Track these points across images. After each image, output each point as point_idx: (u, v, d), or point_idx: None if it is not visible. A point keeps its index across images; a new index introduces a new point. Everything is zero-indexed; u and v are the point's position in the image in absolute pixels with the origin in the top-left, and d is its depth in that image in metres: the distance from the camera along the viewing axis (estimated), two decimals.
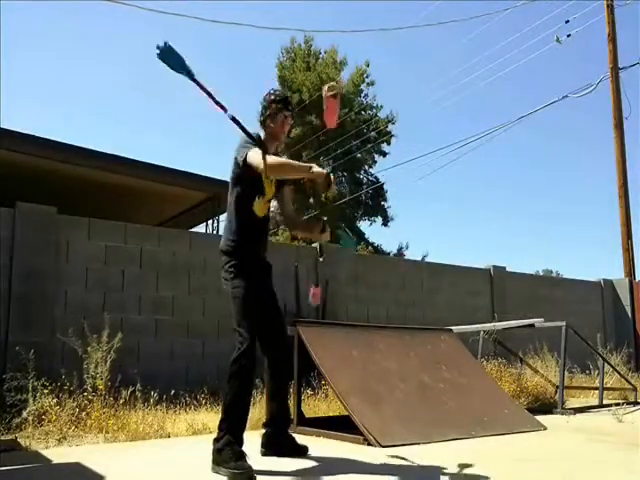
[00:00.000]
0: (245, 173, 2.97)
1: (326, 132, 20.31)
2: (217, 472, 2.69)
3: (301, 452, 3.16)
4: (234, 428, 2.79)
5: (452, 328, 5.45)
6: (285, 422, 3.27)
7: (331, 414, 4.57)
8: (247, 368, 2.86)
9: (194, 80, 2.66)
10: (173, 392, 4.76)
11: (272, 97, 3.15)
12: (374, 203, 22.78)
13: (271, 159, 2.84)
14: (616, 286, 10.81)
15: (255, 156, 2.85)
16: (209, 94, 2.68)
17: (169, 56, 2.61)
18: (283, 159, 3.10)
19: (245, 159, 2.91)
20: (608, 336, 10.03)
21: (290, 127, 3.27)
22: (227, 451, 2.69)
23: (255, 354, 2.92)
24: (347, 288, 7.56)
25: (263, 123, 3.15)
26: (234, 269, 3.02)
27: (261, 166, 2.80)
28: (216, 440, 2.79)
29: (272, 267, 3.25)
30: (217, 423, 2.90)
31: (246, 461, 2.67)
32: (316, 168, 2.86)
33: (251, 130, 2.95)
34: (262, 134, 3.10)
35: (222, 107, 2.73)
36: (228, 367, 2.86)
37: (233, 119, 2.80)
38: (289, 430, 3.30)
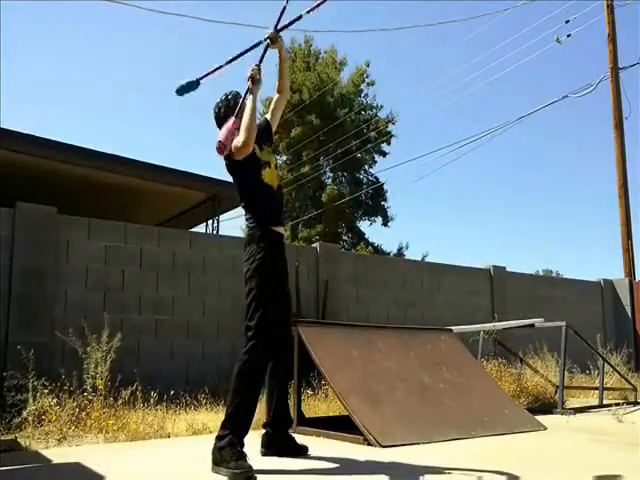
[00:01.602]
0: (234, 160, 3.05)
1: (326, 132, 20.33)
2: (217, 472, 2.69)
3: (301, 452, 3.16)
4: (238, 429, 2.78)
5: (452, 328, 5.45)
6: (286, 422, 3.27)
7: (331, 414, 4.57)
8: (258, 368, 2.86)
9: (200, 80, 3.20)
10: (173, 392, 4.76)
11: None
12: (374, 203, 22.75)
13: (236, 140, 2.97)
14: (616, 286, 10.80)
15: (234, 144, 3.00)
16: (211, 72, 3.20)
17: (183, 90, 3.24)
18: (242, 127, 3.00)
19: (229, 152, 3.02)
20: (608, 336, 10.03)
21: None
22: (228, 451, 2.69)
23: (268, 353, 2.91)
24: (347, 288, 7.56)
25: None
26: (260, 263, 2.94)
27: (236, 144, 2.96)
28: (218, 438, 2.78)
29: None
30: (217, 423, 2.89)
31: (246, 461, 2.66)
32: (251, 82, 3.07)
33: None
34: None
35: (219, 67, 3.18)
36: (237, 365, 2.83)
37: (229, 61, 3.18)
38: (289, 430, 3.30)
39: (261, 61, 3.14)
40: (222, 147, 2.93)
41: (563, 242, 73.24)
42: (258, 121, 3.35)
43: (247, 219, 3.10)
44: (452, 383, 4.44)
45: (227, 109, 3.17)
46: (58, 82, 45.41)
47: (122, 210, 10.16)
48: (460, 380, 4.54)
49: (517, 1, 13.17)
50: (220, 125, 3.19)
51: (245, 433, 2.81)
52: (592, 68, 39.35)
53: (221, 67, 3.19)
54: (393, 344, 4.56)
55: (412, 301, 8.25)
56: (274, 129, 3.43)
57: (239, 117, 3.01)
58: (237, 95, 3.21)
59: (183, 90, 3.22)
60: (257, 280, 2.93)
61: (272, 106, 3.44)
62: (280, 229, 3.13)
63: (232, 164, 3.09)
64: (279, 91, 3.43)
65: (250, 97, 3.06)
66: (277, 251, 3.07)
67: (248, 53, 3.19)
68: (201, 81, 3.21)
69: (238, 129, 2.98)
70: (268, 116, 3.41)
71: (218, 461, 2.71)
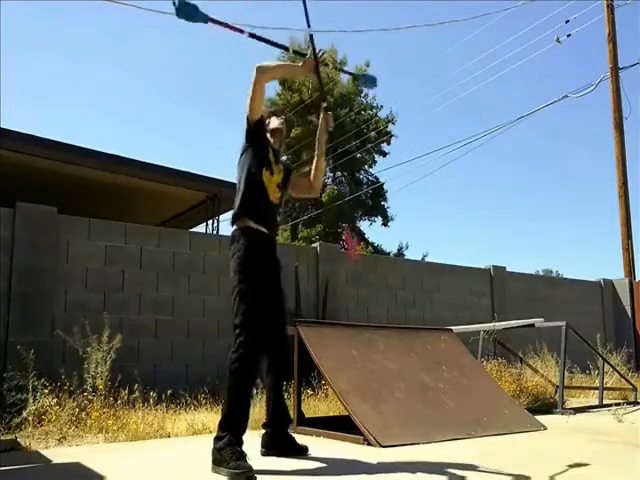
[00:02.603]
0: (253, 135, 3.06)
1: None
2: (217, 472, 2.69)
3: (301, 452, 3.16)
4: (235, 428, 2.78)
5: (452, 328, 5.45)
6: (284, 422, 3.27)
7: (331, 414, 4.57)
8: (247, 367, 2.85)
9: (211, 20, 2.90)
10: (173, 392, 4.77)
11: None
12: (374, 203, 22.73)
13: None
14: (616, 286, 10.81)
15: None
16: (226, 25, 2.94)
17: (184, 10, 2.82)
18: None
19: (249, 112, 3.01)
20: (608, 336, 10.03)
21: (281, 129, 3.27)
22: (227, 451, 2.69)
23: (256, 353, 2.91)
24: (347, 288, 7.56)
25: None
26: (241, 260, 2.94)
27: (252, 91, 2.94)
28: (217, 439, 2.79)
29: (281, 264, 3.20)
30: (217, 423, 2.89)
31: (246, 461, 2.67)
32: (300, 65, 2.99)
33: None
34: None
35: (240, 30, 2.97)
36: (228, 365, 2.84)
37: (253, 36, 2.99)
38: (289, 430, 3.31)
39: (321, 87, 3.18)
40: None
41: (563, 242, 73.52)
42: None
43: (232, 216, 3.09)
44: (452, 383, 4.44)
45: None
46: (58, 82, 45.44)
47: (122, 210, 10.16)
48: (460, 380, 4.54)
49: (517, 1, 13.14)
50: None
51: (243, 432, 2.81)
52: (592, 68, 39.39)
53: (238, 30, 3.00)
54: (393, 344, 4.56)
55: (412, 301, 8.26)
56: (287, 193, 3.36)
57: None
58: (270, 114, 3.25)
59: (183, 12, 2.82)
60: (238, 278, 2.93)
61: (297, 182, 3.39)
62: (262, 228, 3.05)
63: (250, 132, 3.08)
64: (312, 182, 3.35)
65: (287, 67, 3.13)
66: (259, 249, 3.02)
67: (268, 44, 3.11)
68: (210, 23, 2.94)
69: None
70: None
71: (218, 461, 2.72)
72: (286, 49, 3.19)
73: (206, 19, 2.87)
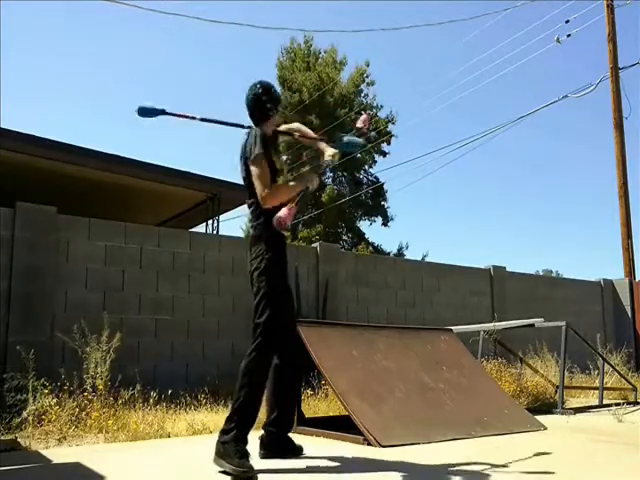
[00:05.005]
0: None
1: (326, 131, 20.33)
2: (219, 464, 2.70)
3: (296, 452, 3.17)
4: (244, 425, 2.80)
5: (452, 328, 5.45)
6: (288, 424, 3.26)
7: (331, 414, 4.57)
8: (265, 365, 2.89)
9: (166, 113, 3.00)
10: (173, 392, 4.77)
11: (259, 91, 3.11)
12: (374, 203, 22.72)
13: (268, 192, 2.91)
14: (616, 286, 10.81)
15: (258, 178, 2.93)
16: (179, 115, 3.02)
17: (145, 112, 3.00)
18: (278, 186, 3.05)
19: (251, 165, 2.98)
20: (608, 336, 10.03)
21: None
22: (232, 446, 2.70)
23: (273, 351, 2.94)
24: (347, 288, 7.56)
25: (255, 117, 3.15)
26: (267, 261, 2.95)
27: (260, 192, 2.91)
28: (223, 432, 2.79)
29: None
30: (217, 423, 2.91)
31: (248, 460, 2.68)
32: (313, 182, 3.12)
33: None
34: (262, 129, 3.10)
35: (192, 117, 3.03)
36: (245, 361, 2.86)
37: (204, 119, 3.03)
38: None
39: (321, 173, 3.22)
40: (282, 222, 2.83)
41: (563, 242, 73.55)
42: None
43: (255, 217, 3.09)
44: (452, 383, 4.44)
45: (267, 101, 3.13)
46: (57, 82, 45.44)
47: (122, 210, 10.16)
48: (460, 380, 4.54)
49: (517, 1, 13.15)
50: (255, 109, 3.13)
51: (250, 427, 2.83)
52: (592, 68, 39.38)
53: (194, 118, 3.07)
54: (393, 344, 4.56)
55: (412, 301, 8.26)
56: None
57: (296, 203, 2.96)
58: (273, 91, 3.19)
59: (145, 112, 3.01)
60: (267, 279, 2.94)
61: (291, 126, 3.41)
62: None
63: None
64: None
65: (301, 185, 3.07)
66: (282, 250, 3.10)
67: (226, 126, 3.11)
68: (167, 116, 3.03)
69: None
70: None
71: (221, 454, 2.73)
72: (242, 127, 3.13)
73: (163, 112, 3.00)
